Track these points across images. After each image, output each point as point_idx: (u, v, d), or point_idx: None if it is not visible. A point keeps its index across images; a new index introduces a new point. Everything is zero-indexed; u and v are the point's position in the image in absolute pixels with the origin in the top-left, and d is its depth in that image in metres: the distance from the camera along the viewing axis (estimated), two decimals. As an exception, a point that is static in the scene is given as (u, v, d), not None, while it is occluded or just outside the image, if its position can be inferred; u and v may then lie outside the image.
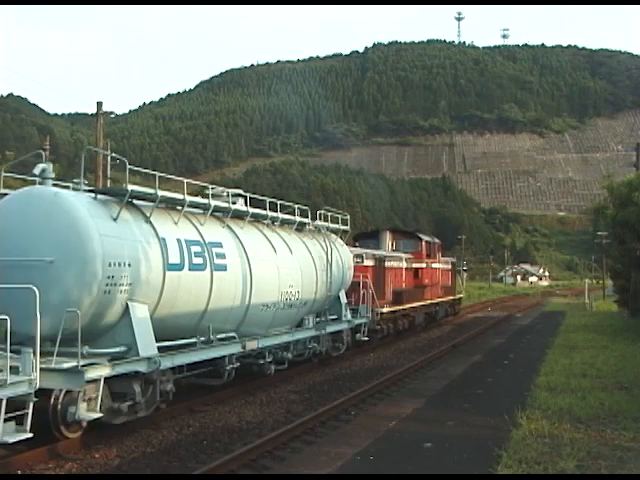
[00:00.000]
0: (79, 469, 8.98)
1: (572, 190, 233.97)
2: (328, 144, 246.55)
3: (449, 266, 34.78)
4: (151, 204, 11.63)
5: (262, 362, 14.65)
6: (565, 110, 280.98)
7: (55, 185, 11.07)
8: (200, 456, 9.62)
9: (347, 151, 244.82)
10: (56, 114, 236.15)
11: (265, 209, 15.59)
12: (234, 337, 13.49)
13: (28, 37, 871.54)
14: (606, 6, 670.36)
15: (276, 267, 15.03)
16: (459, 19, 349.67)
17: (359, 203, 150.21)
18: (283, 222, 16.61)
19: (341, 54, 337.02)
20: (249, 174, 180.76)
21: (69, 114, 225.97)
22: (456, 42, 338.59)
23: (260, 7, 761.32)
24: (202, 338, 12.46)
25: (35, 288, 8.51)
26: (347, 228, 20.42)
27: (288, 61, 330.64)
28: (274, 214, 15.94)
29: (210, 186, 13.90)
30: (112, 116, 38.83)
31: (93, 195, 11.00)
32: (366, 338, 20.72)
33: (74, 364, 9.31)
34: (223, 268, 12.85)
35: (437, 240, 32.02)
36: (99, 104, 28.14)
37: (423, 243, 29.01)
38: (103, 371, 9.69)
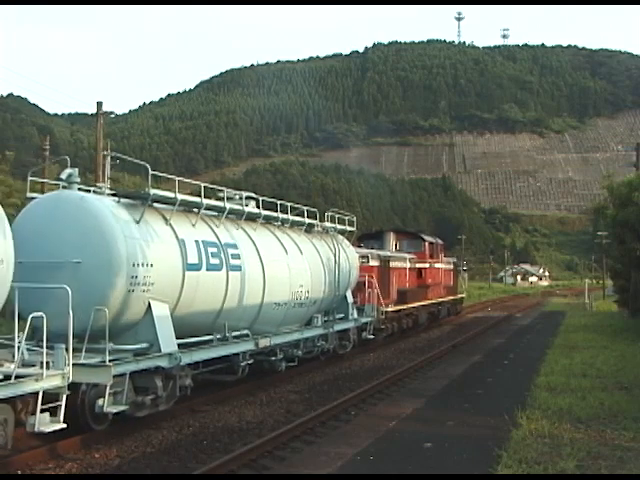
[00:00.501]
0: (79, 469, 8.98)
1: (572, 190, 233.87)
2: (328, 144, 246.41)
3: (451, 266, 35.37)
4: (170, 207, 12.15)
5: (273, 359, 15.18)
6: (565, 110, 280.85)
7: (79, 189, 11.52)
8: (200, 456, 9.63)
9: (347, 151, 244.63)
10: (56, 114, 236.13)
11: (276, 211, 16.17)
12: (247, 335, 14.00)
13: (28, 37, 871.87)
14: (606, 6, 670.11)
15: (287, 267, 15.60)
16: (459, 19, 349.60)
17: (359, 203, 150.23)
18: (293, 224, 17.20)
19: (341, 54, 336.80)
20: (249, 174, 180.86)
21: (69, 114, 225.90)
22: (456, 42, 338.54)
23: (260, 7, 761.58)
24: (218, 335, 12.98)
25: (68, 287, 8.93)
26: (353, 229, 20.93)
27: (288, 61, 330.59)
28: (284, 216, 16.49)
29: (224, 189, 14.41)
30: (112, 116, 38.84)
31: (116, 199, 11.52)
32: (372, 336, 21.22)
33: (102, 359, 9.82)
34: (238, 268, 13.43)
35: (440, 241, 32.65)
36: (99, 104, 28.14)
37: (426, 244, 29.64)
38: (129, 366, 10.24)
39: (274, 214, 16.04)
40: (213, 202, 13.54)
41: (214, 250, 12.75)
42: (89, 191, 11.88)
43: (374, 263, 23.25)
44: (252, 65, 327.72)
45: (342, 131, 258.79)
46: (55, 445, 9.44)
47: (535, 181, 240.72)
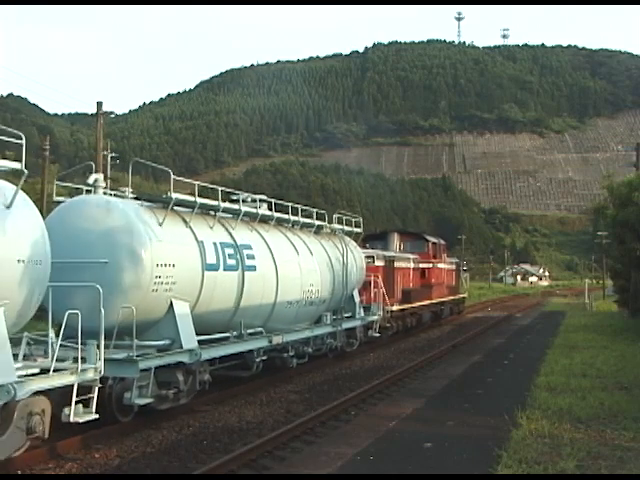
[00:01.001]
0: (79, 469, 8.98)
1: (572, 190, 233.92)
2: (328, 144, 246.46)
3: (453, 266, 36.11)
4: (189, 210, 12.78)
5: (285, 356, 15.76)
6: (565, 110, 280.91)
7: (104, 193, 12.11)
8: (200, 456, 9.62)
9: (347, 151, 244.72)
10: (56, 114, 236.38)
11: (286, 213, 16.77)
12: (261, 332, 14.55)
13: (28, 37, 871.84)
14: (606, 6, 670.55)
15: (299, 267, 16.18)
16: (459, 19, 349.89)
17: (359, 203, 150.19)
18: (303, 225, 17.84)
19: (341, 54, 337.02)
20: (249, 174, 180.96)
21: (69, 114, 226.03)
22: (456, 42, 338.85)
23: (260, 7, 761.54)
24: (234, 333, 13.58)
25: (99, 286, 9.45)
26: (360, 230, 21.63)
27: (288, 61, 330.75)
28: (295, 218, 17.13)
29: (240, 193, 15.15)
30: (112, 116, 38.92)
31: (140, 202, 12.12)
32: (378, 334, 21.69)
33: (130, 355, 10.39)
34: (253, 269, 14.02)
35: (442, 241, 33.37)
36: (99, 104, 28.19)
37: (429, 244, 30.40)
38: (154, 361, 10.78)
39: (285, 216, 16.63)
40: (229, 205, 14.19)
41: (230, 251, 13.34)
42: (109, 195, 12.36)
43: (379, 263, 23.83)
44: (252, 65, 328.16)
45: (342, 131, 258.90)
46: (55, 445, 9.44)
47: (535, 181, 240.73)
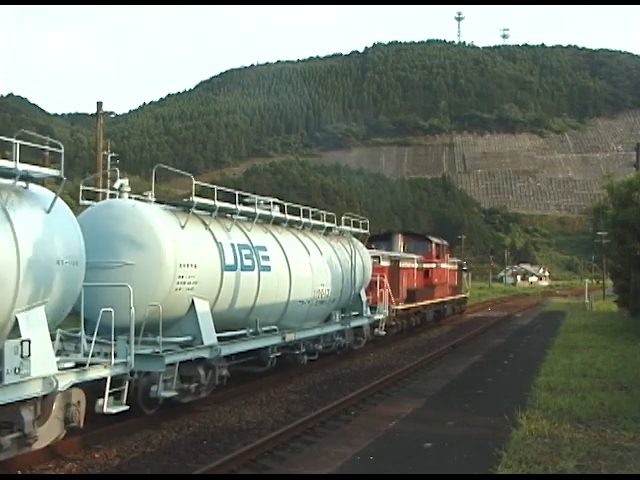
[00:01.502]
0: (79, 469, 8.99)
1: (572, 190, 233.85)
2: (328, 144, 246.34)
3: (456, 267, 36.84)
4: (207, 213, 13.45)
5: (297, 353, 16.38)
6: (565, 110, 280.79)
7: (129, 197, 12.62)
8: (200, 456, 9.63)
9: (347, 151, 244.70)
10: (56, 114, 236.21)
11: (296, 215, 17.44)
12: (275, 330, 15.21)
13: (28, 37, 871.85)
14: (606, 6, 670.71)
15: (310, 267, 16.85)
16: (459, 19, 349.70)
17: (359, 203, 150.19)
18: (313, 227, 18.53)
19: (341, 54, 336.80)
20: (249, 174, 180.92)
21: (69, 114, 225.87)
22: (456, 42, 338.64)
23: (260, 7, 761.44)
24: (250, 330, 14.27)
25: (130, 286, 10.01)
26: (367, 232, 22.25)
27: (288, 61, 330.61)
28: (306, 220, 17.87)
29: (255, 197, 15.83)
30: (112, 116, 38.87)
31: (163, 206, 12.74)
32: (384, 333, 22.24)
33: (157, 350, 11.07)
34: (268, 269, 14.69)
35: (445, 242, 34.13)
36: (99, 104, 28.18)
37: (433, 245, 31.07)
38: (178, 356, 11.47)
39: (297, 218, 17.35)
40: (246, 208, 14.86)
41: (247, 252, 14.03)
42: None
43: (385, 264, 24.41)
44: (252, 65, 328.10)
45: (342, 131, 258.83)
46: (55, 445, 9.44)
47: (535, 181, 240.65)
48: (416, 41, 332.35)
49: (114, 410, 9.52)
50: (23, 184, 8.99)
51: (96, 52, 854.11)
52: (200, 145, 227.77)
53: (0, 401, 7.94)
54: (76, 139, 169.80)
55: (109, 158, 29.91)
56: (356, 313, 20.48)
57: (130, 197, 12.56)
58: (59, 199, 9.32)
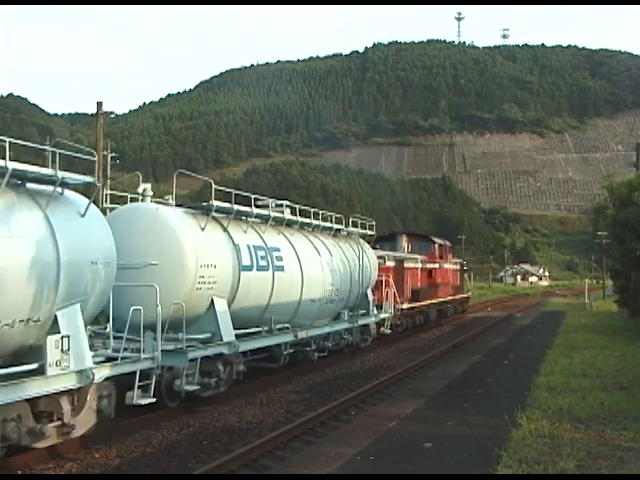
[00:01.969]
0: (79, 469, 8.99)
1: (572, 190, 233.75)
2: (328, 144, 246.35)
3: (458, 267, 37.47)
4: (224, 215, 14.04)
5: (308, 349, 17.10)
6: (565, 110, 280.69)
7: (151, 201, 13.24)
8: (200, 456, 9.63)
9: (347, 151, 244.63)
10: (56, 114, 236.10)
11: (307, 217, 18.15)
12: (288, 327, 15.85)
13: (28, 37, 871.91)
14: (606, 6, 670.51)
15: (320, 268, 17.53)
16: (459, 19, 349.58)
17: (359, 203, 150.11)
18: (323, 229, 19.19)
19: (341, 54, 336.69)
20: (249, 174, 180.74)
21: (69, 114, 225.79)
22: (456, 42, 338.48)
23: (260, 7, 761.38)
24: (265, 327, 14.95)
25: (156, 286, 10.65)
26: (373, 233, 22.81)
27: (288, 61, 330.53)
28: (316, 222, 18.55)
29: (269, 200, 16.54)
30: (112, 116, 38.89)
31: (184, 209, 13.40)
32: (389, 331, 23.01)
33: (179, 346, 11.74)
34: (281, 269, 15.30)
35: (448, 243, 35.05)
36: (99, 104, 28.17)
37: (436, 245, 31.86)
38: (200, 352, 12.17)
39: (308, 220, 18.05)
40: (260, 211, 15.50)
41: (262, 253, 14.69)
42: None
43: (390, 264, 25.02)
44: (252, 65, 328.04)
45: (342, 131, 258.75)
46: (55, 445, 9.44)
47: (535, 181, 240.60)
48: (416, 41, 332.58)
49: (143, 402, 10.25)
50: (59, 190, 9.47)
51: (96, 52, 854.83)
52: (200, 145, 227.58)
53: (44, 392, 8.54)
54: (76, 139, 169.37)
55: (109, 158, 29.88)
56: (363, 312, 21.06)
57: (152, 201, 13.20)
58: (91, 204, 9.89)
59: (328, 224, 19.38)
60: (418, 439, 10.15)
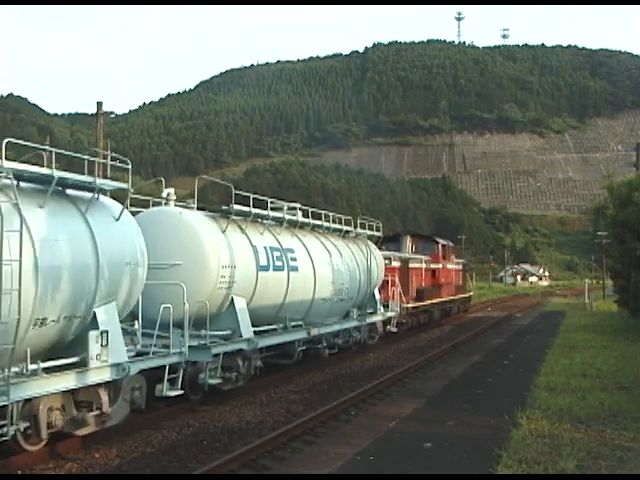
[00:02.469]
0: (79, 469, 8.99)
1: (572, 190, 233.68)
2: (328, 144, 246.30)
3: (460, 267, 38.22)
4: (242, 218, 14.68)
5: (319, 346, 17.80)
6: (565, 110, 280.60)
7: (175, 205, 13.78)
8: (200, 456, 9.63)
9: (347, 151, 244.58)
10: (56, 114, 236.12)
11: (318, 219, 18.78)
12: (301, 325, 16.58)
13: (28, 37, 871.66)
14: (606, 6, 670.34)
15: (331, 268, 18.20)
16: (459, 19, 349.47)
17: (359, 203, 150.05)
18: (333, 230, 19.86)
19: (341, 54, 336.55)
20: (249, 174, 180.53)
21: (69, 114, 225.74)
22: (456, 42, 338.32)
23: (260, 7, 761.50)
24: (280, 325, 15.74)
25: (183, 285, 11.38)
26: (380, 234, 23.56)
27: (288, 61, 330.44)
28: (327, 224, 19.19)
29: (284, 204, 17.05)
30: (112, 116, 38.86)
31: (205, 212, 13.97)
32: (395, 329, 23.64)
33: (203, 342, 12.45)
34: (295, 269, 16.00)
35: (451, 243, 35.87)
36: (99, 104, 28.13)
37: (439, 246, 32.51)
38: (222, 348, 12.86)
39: (319, 222, 18.73)
40: (276, 214, 16.19)
41: (278, 254, 15.36)
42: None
43: (396, 264, 25.78)
44: (252, 65, 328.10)
45: (342, 131, 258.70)
46: (55, 445, 9.45)
47: (535, 181, 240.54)
48: (416, 41, 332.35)
49: (172, 393, 10.99)
50: (96, 195, 10.15)
51: (96, 52, 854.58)
52: (200, 145, 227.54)
53: (88, 383, 9.33)
54: (76, 139, 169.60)
55: (109, 158, 29.84)
56: (371, 310, 21.87)
57: (176, 204, 13.72)
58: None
59: (338, 226, 20.05)
60: (418, 439, 10.15)
